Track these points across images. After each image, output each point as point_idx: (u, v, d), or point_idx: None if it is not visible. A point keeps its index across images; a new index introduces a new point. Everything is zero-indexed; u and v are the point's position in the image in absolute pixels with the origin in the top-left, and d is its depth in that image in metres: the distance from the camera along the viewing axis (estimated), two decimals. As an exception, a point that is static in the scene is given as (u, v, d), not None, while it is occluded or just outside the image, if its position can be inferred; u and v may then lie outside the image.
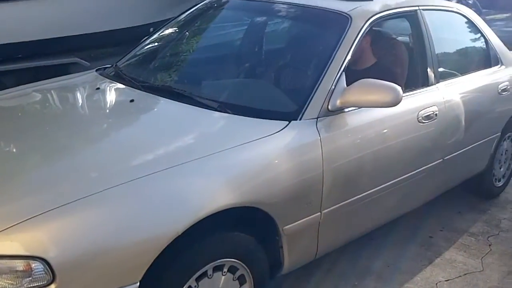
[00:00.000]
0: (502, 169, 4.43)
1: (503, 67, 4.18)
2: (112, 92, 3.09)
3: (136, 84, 3.01)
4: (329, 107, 2.67)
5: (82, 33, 6.00)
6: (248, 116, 2.61)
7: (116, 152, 2.37)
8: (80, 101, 3.11)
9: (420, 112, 3.16)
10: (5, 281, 1.83)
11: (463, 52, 4.27)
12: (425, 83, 3.38)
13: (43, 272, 1.82)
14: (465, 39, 4.22)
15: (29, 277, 1.82)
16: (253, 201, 2.31)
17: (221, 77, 3.26)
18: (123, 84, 3.08)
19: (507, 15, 18.29)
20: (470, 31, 4.17)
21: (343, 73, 2.78)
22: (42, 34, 5.67)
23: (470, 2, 14.36)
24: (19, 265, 1.83)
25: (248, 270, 2.42)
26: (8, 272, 1.83)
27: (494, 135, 4.06)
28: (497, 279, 3.31)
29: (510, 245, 3.72)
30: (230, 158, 2.33)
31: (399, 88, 2.65)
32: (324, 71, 2.76)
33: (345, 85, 2.73)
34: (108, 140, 2.59)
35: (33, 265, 1.82)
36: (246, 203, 2.28)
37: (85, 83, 3.32)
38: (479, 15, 4.32)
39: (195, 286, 2.22)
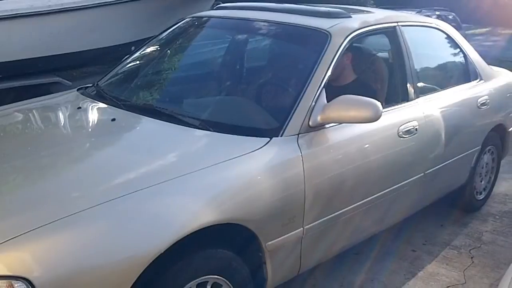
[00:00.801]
0: (483, 182, 4.48)
1: (482, 81, 4.24)
2: (93, 111, 3.09)
3: (118, 103, 3.02)
4: (310, 123, 2.70)
5: (64, 52, 6.00)
6: (230, 134, 2.63)
7: (98, 171, 2.37)
8: (62, 120, 3.11)
9: (400, 127, 3.20)
10: (-13, 301, 1.82)
11: (443, 67, 4.34)
12: (405, 98, 3.42)
13: (26, 292, 1.81)
14: (444, 54, 4.29)
15: (11, 297, 1.81)
16: (235, 218, 2.32)
17: (202, 95, 3.28)
18: (105, 103, 3.09)
19: (487, 29, 18.59)
20: (449, 46, 4.23)
21: (324, 89, 2.81)
22: (23, 54, 5.67)
23: (450, 17, 14.58)
24: (2, 285, 1.82)
25: (232, 287, 2.42)
26: (-10, 293, 1.82)
27: (474, 149, 4.10)
28: (479, 291, 3.34)
29: (492, 258, 3.75)
30: (212, 175, 2.34)
31: (378, 103, 2.69)
32: (305, 88, 2.78)
33: (326, 101, 2.76)
34: (90, 160, 2.58)
35: (16, 285, 1.82)
36: (228, 220, 2.29)
37: (67, 102, 3.32)
38: (459, 30, 4.39)
39: (179, 304, 2.21)
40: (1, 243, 1.85)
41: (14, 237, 1.87)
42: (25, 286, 1.82)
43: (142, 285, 2.05)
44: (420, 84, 3.59)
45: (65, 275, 1.87)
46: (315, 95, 2.76)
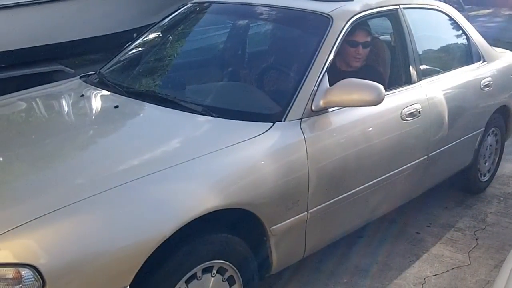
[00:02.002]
0: (487, 164, 4.48)
1: (485, 63, 4.23)
2: (96, 99, 3.10)
3: (120, 90, 3.02)
4: (313, 107, 2.70)
5: (66, 40, 6.00)
6: (233, 119, 2.63)
7: (102, 158, 2.38)
8: (65, 108, 3.12)
9: (403, 110, 3.20)
10: (-5, 288, 1.84)
11: (445, 49, 4.31)
12: (408, 80, 3.42)
13: (33, 279, 1.83)
14: (446, 37, 4.27)
15: (19, 284, 1.83)
16: (239, 202, 2.33)
17: (205, 80, 3.28)
18: (108, 91, 3.09)
19: (490, 10, 18.48)
20: (451, 28, 4.21)
21: (326, 73, 2.81)
22: (26, 43, 5.66)
23: (453, -2, 14.46)
24: (9, 273, 1.83)
25: (237, 271, 2.44)
26: (-2, 280, 1.84)
27: (478, 131, 4.10)
28: (484, 272, 3.35)
29: (496, 239, 3.76)
30: (216, 161, 2.35)
31: (381, 86, 2.69)
32: (307, 72, 2.78)
33: (328, 86, 2.76)
34: (93, 147, 2.59)
35: (23, 272, 1.83)
36: (233, 205, 2.30)
37: (70, 90, 3.33)
38: (461, 11, 4.36)
39: (185, 289, 2.24)
40: (8, 231, 1.87)
41: (20, 225, 1.89)
42: (32, 274, 1.83)
43: (148, 271, 2.07)
44: (423, 67, 3.58)
45: (71, 261, 1.89)
46: (318, 79, 2.76)
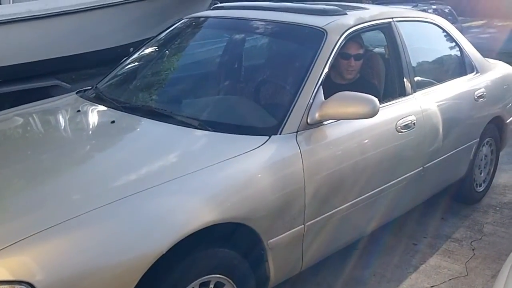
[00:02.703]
0: (482, 174, 4.50)
1: (478, 74, 4.26)
2: (93, 114, 3.11)
3: (117, 105, 3.04)
4: (308, 120, 2.72)
5: (63, 55, 6.02)
6: (229, 133, 2.65)
7: (98, 173, 2.39)
8: (62, 124, 3.13)
9: (398, 122, 3.22)
10: (-9, 306, 1.84)
11: (439, 61, 4.35)
12: (402, 93, 3.44)
13: (29, 296, 1.83)
14: (440, 48, 4.31)
15: (15, 301, 1.83)
16: (236, 216, 2.34)
17: (201, 95, 3.30)
18: (104, 106, 3.10)
19: (483, 22, 18.60)
20: (445, 40, 4.25)
21: (321, 86, 2.83)
22: (22, 58, 5.68)
23: (446, 10, 14.60)
24: (5, 290, 1.84)
25: (235, 285, 2.44)
26: (-6, 297, 1.84)
27: (472, 141, 4.12)
28: (481, 282, 3.35)
29: (493, 249, 3.77)
30: (212, 175, 2.36)
31: (375, 99, 2.71)
32: (302, 85, 2.81)
33: (323, 98, 2.78)
34: (90, 162, 2.60)
35: (19, 289, 1.83)
36: (229, 219, 2.31)
37: (66, 106, 3.34)
38: (455, 23, 4.41)
39: (182, 303, 2.24)
40: (4, 248, 1.87)
41: (16, 242, 1.88)
42: (28, 290, 1.84)
43: (145, 286, 2.06)
44: (417, 79, 3.62)
45: (67, 278, 1.89)
46: (313, 92, 2.78)
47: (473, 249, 3.77)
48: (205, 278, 2.30)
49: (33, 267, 1.87)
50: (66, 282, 1.88)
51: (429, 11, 11.81)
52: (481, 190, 4.53)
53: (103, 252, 1.98)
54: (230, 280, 2.40)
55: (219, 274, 2.35)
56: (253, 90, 3.19)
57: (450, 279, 3.38)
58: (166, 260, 2.09)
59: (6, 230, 1.98)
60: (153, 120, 2.82)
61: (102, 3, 6.23)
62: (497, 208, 4.45)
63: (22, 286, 1.83)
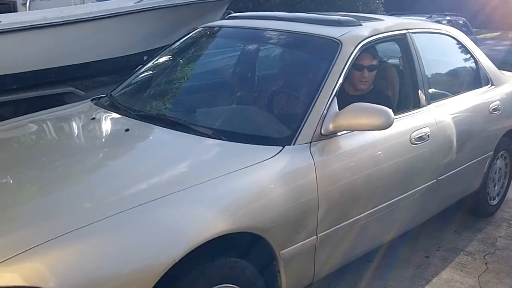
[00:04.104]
0: (496, 188, 4.46)
1: (493, 86, 4.24)
2: (107, 122, 3.13)
3: (131, 113, 3.05)
4: (322, 131, 2.71)
5: (77, 62, 6.06)
6: (242, 142, 2.65)
7: (112, 182, 2.40)
8: (76, 131, 3.15)
9: (412, 134, 3.21)
10: (5, 311, 1.84)
11: (454, 73, 4.34)
12: (417, 104, 3.43)
13: (43, 303, 1.83)
14: (455, 60, 4.30)
15: (28, 307, 1.83)
16: (248, 226, 2.33)
17: (215, 104, 3.31)
18: (118, 114, 3.12)
19: (497, 33, 18.52)
20: (459, 52, 4.24)
21: (335, 97, 2.82)
22: (37, 65, 5.73)
23: (460, 22, 14.56)
24: (18, 296, 1.84)
25: (246, 296, 2.43)
26: (7, 303, 1.84)
27: (487, 154, 4.09)
28: (494, 297, 3.33)
29: (506, 263, 3.73)
30: (225, 184, 2.36)
31: (390, 111, 2.70)
32: (316, 96, 2.80)
33: (337, 109, 2.78)
34: (104, 170, 2.61)
35: (32, 295, 1.83)
36: (241, 229, 2.30)
37: (80, 113, 3.36)
38: (469, 34, 4.39)
39: (194, 313, 2.23)
40: (17, 254, 1.87)
41: (30, 248, 1.89)
42: (41, 297, 1.84)
43: (157, 294, 2.07)
44: (431, 90, 3.60)
45: (80, 285, 1.89)
46: (327, 103, 2.77)
47: (486, 263, 3.74)
48: (216, 287, 2.29)
49: (46, 273, 1.87)
50: (78, 289, 1.89)
51: (443, 22, 11.78)
52: (494, 203, 4.49)
53: (116, 260, 1.98)
54: (241, 290, 2.40)
55: (231, 284, 2.34)
56: (267, 100, 3.19)
57: (462, 293, 3.35)
58: (178, 268, 2.08)
59: (20, 236, 1.99)
60: (167, 129, 2.83)
61: (116, 12, 6.27)
62: (511, 222, 4.41)
63: (36, 292, 1.83)
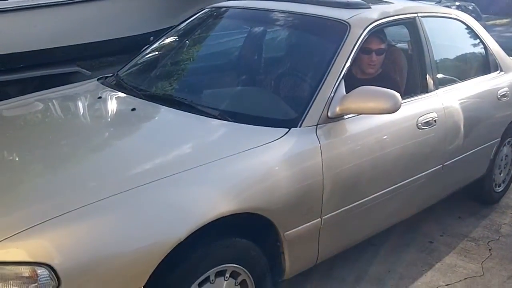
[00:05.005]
0: (502, 175, 4.45)
1: (502, 73, 4.21)
2: (113, 101, 3.13)
3: (137, 93, 3.05)
4: (329, 114, 2.70)
5: (84, 42, 6.05)
6: (249, 124, 2.64)
7: (118, 160, 2.40)
8: (82, 110, 3.14)
9: (419, 119, 3.19)
10: (11, 287, 1.85)
11: (462, 59, 4.30)
12: (424, 89, 3.41)
13: (49, 278, 1.85)
14: (464, 46, 4.25)
15: (35, 283, 1.85)
16: (254, 207, 2.34)
17: (221, 85, 3.30)
18: (125, 93, 3.11)
19: (507, 20, 18.36)
20: (469, 37, 4.20)
21: (343, 80, 2.81)
22: (44, 44, 5.72)
23: (470, 8, 14.45)
24: (25, 271, 1.85)
25: (250, 276, 2.44)
26: (14, 278, 1.85)
27: (493, 141, 4.08)
28: (497, 283, 3.33)
29: (510, 250, 3.73)
30: (231, 165, 2.36)
31: (397, 94, 2.69)
32: (324, 79, 2.79)
33: (345, 92, 2.76)
34: (110, 149, 2.61)
35: (39, 271, 1.85)
36: (247, 210, 2.31)
37: (87, 92, 3.35)
38: (479, 20, 4.34)
39: (198, 292, 2.25)
40: (24, 230, 1.88)
41: (36, 225, 1.90)
42: (47, 273, 1.85)
43: (162, 274, 2.07)
44: (439, 76, 3.58)
45: (86, 262, 1.90)
46: (334, 86, 2.76)
47: (490, 249, 3.74)
48: (221, 267, 2.30)
49: (52, 250, 1.88)
50: (85, 266, 1.90)
51: (453, 7, 11.70)
52: (500, 190, 4.49)
53: (122, 238, 1.99)
54: (245, 270, 2.41)
55: (235, 264, 2.36)
56: (274, 82, 3.17)
57: (465, 278, 3.36)
58: (183, 248, 2.09)
59: (26, 213, 1.99)
60: (173, 109, 2.83)
61: (124, -8, 6.25)
62: (516, 209, 4.40)
63: (42, 268, 1.85)
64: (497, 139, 4.12)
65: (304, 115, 2.68)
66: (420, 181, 3.29)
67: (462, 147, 3.63)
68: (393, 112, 2.70)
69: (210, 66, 3.64)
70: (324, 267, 3.22)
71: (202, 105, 2.84)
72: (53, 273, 1.85)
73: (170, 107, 2.85)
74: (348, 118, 2.80)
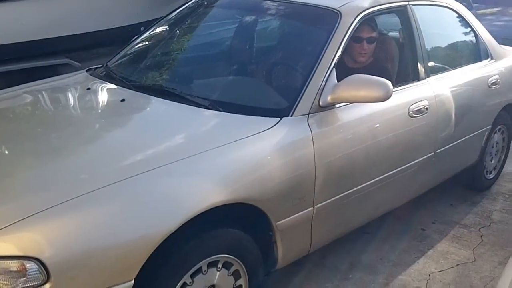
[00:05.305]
0: (493, 162, 4.46)
1: (493, 60, 4.21)
2: (103, 92, 3.10)
3: (127, 84, 3.02)
4: (320, 103, 2.69)
5: (73, 33, 5.99)
6: (240, 114, 2.62)
7: (108, 152, 2.39)
8: (71, 101, 3.11)
9: (411, 107, 3.19)
10: (-1, 281, 1.84)
11: (453, 47, 4.29)
12: (416, 77, 3.41)
13: (38, 272, 1.84)
14: (455, 34, 4.25)
15: (24, 277, 1.83)
16: (245, 197, 2.33)
17: (212, 75, 3.28)
18: (114, 84, 3.09)
19: (498, 9, 18.38)
20: (460, 26, 4.19)
21: (334, 69, 2.80)
22: (32, 35, 5.66)
23: (460, -4, 14.40)
24: (13, 265, 1.84)
25: (243, 266, 2.44)
26: (2, 273, 1.84)
27: (484, 128, 4.08)
28: (488, 269, 3.34)
29: (501, 236, 3.75)
30: (222, 155, 2.34)
31: (389, 83, 2.68)
32: (315, 68, 2.77)
33: (336, 81, 2.75)
34: (99, 141, 2.59)
35: (27, 265, 1.83)
36: (238, 200, 2.30)
37: (76, 83, 3.32)
38: (470, 9, 4.33)
39: (190, 283, 2.24)
40: (12, 224, 1.86)
41: (25, 218, 1.88)
42: (36, 266, 1.83)
43: (153, 265, 2.07)
44: (430, 64, 3.57)
45: (76, 255, 1.89)
46: (325, 74, 2.75)
47: (481, 236, 3.75)
48: (213, 258, 2.30)
49: (42, 243, 1.87)
50: (75, 259, 1.88)
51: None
52: (491, 177, 4.50)
53: (112, 230, 1.98)
54: (238, 261, 2.41)
55: (228, 254, 2.35)
56: (265, 71, 3.16)
57: (457, 265, 3.37)
58: (175, 239, 2.08)
59: (15, 206, 1.98)
60: (163, 99, 2.81)
61: (113, -18, 6.19)
62: (506, 196, 4.42)
63: (31, 262, 1.83)
64: (488, 127, 4.13)
65: (296, 104, 2.66)
66: (412, 169, 3.30)
67: (453, 135, 3.63)
68: (384, 100, 2.70)
69: (201, 56, 3.61)
70: (317, 256, 3.22)
71: (193, 95, 2.82)
72: (42, 267, 1.83)
73: (160, 97, 2.83)
74: (340, 107, 2.79)
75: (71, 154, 2.42)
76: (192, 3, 3.77)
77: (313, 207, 2.66)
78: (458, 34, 4.23)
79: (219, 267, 2.35)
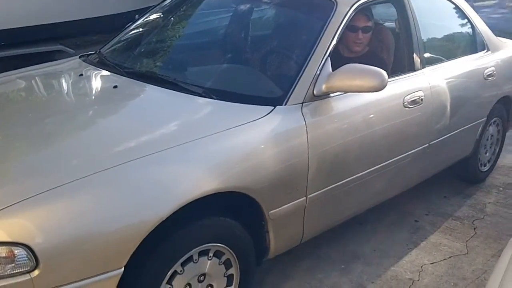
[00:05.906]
0: (487, 154, 4.45)
1: (489, 52, 4.19)
2: (96, 79, 3.07)
3: (120, 71, 2.99)
4: (315, 92, 2.67)
5: (67, 20, 5.94)
6: (233, 102, 2.60)
7: (99, 138, 2.36)
8: (64, 88, 3.09)
9: (406, 97, 3.17)
10: (-12, 268, 1.82)
11: (450, 38, 4.27)
12: (411, 68, 3.39)
13: (26, 258, 1.82)
14: (451, 25, 4.23)
15: (12, 263, 1.82)
16: (238, 186, 2.31)
17: (206, 63, 3.25)
18: (107, 71, 3.06)
19: (495, 1, 18.36)
20: (456, 17, 4.17)
21: (329, 58, 2.77)
22: (26, 22, 5.61)
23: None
24: (2, 251, 1.82)
25: (234, 255, 2.43)
26: (-9, 259, 1.82)
27: (479, 120, 4.07)
28: (481, 261, 3.34)
29: (495, 229, 3.75)
30: (215, 143, 2.32)
31: (384, 73, 2.66)
32: (309, 56, 2.75)
33: (331, 70, 2.73)
34: (92, 127, 2.56)
35: (16, 251, 1.81)
36: (231, 189, 2.28)
37: (69, 69, 3.29)
38: (467, 1, 4.31)
39: (181, 271, 2.23)
40: (1, 210, 1.84)
41: (14, 203, 1.86)
42: (25, 253, 1.82)
43: (144, 253, 2.05)
44: (426, 55, 3.55)
45: (66, 242, 1.87)
46: (320, 64, 2.72)
47: (474, 228, 3.75)
48: (204, 247, 2.28)
49: (31, 229, 1.85)
50: (64, 245, 1.86)
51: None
52: (485, 169, 4.50)
53: (102, 217, 1.96)
54: (229, 250, 2.39)
55: (219, 243, 2.34)
56: (259, 59, 3.13)
57: (450, 257, 3.37)
58: (166, 227, 2.06)
59: (5, 192, 1.96)
60: (156, 87, 2.78)
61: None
62: (501, 189, 4.42)
63: (20, 248, 1.81)
64: (483, 119, 4.12)
65: (290, 93, 2.64)
66: (406, 160, 3.29)
67: (448, 126, 3.62)
68: (379, 90, 2.67)
69: (195, 43, 3.58)
70: (310, 246, 3.21)
71: (186, 83, 2.80)
72: (31, 253, 1.81)
73: (153, 84, 2.81)
74: (334, 96, 2.77)
75: (63, 140, 2.40)
76: (187, -11, 3.73)
77: (306, 197, 2.64)
78: (455, 25, 4.20)
79: (210, 256, 2.33)
